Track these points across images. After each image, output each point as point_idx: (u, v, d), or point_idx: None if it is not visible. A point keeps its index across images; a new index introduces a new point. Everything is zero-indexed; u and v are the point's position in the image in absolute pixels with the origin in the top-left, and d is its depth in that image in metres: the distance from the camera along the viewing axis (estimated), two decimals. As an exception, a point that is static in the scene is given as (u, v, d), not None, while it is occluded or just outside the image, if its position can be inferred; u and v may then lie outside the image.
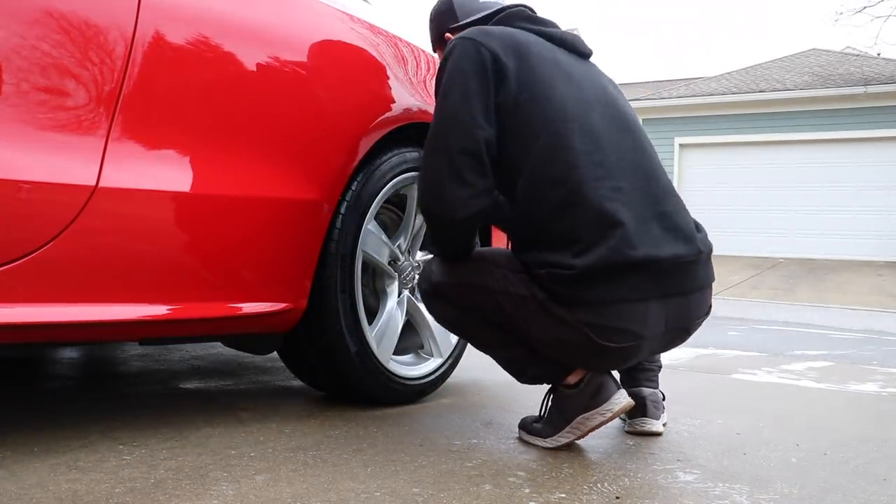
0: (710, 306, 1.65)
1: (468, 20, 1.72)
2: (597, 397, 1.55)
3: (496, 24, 1.65)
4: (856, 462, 1.68)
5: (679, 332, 1.58)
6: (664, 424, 1.84)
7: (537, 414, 1.70)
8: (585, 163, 1.48)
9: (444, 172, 1.50)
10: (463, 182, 1.49)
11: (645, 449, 1.66)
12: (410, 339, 2.05)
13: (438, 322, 1.72)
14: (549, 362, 1.59)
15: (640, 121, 1.70)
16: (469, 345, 2.24)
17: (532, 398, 2.15)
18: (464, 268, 1.60)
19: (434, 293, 1.65)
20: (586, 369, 1.58)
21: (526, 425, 1.69)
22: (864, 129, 13.53)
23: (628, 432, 1.79)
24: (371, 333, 1.85)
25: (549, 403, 1.64)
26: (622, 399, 1.56)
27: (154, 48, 1.37)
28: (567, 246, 1.45)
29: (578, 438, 1.59)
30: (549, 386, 1.65)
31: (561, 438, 1.59)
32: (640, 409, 1.78)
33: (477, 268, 1.58)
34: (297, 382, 2.15)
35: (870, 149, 13.52)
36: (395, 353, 1.93)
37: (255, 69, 1.55)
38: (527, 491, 1.30)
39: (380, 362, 1.85)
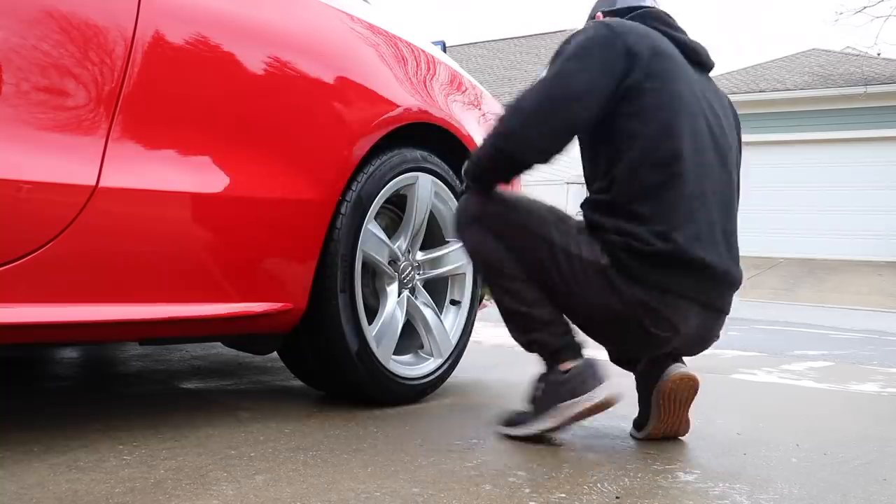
0: (719, 337, 1.73)
1: (615, 8, 1.80)
2: (585, 384, 1.57)
3: (633, 19, 1.70)
4: (856, 462, 1.68)
5: (698, 342, 1.67)
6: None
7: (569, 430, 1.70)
8: (688, 158, 1.56)
9: (535, 120, 1.53)
10: (546, 138, 1.54)
11: (645, 449, 1.66)
12: (410, 339, 2.05)
13: (467, 249, 1.69)
14: (561, 335, 1.61)
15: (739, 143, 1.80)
16: (467, 340, 2.24)
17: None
18: (525, 210, 1.62)
19: (478, 221, 1.63)
20: (612, 346, 1.67)
21: (505, 419, 1.70)
22: (864, 129, 13.53)
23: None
24: (371, 333, 1.85)
25: (536, 391, 1.65)
26: (609, 390, 1.57)
27: (154, 48, 1.37)
28: (650, 224, 1.51)
29: (561, 426, 1.60)
30: (539, 374, 1.66)
31: (541, 424, 1.61)
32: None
33: (539, 215, 1.61)
34: (297, 382, 2.15)
35: (870, 149, 13.52)
36: (394, 353, 1.93)
37: (254, 69, 1.55)
38: (527, 491, 1.30)
39: (380, 362, 1.85)
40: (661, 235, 1.51)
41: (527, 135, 1.56)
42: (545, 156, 1.57)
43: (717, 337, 1.72)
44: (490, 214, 1.63)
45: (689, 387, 1.68)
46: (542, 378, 1.64)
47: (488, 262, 1.65)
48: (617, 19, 1.64)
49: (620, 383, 1.61)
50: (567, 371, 1.59)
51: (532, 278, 1.60)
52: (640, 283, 1.52)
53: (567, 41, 1.62)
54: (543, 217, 1.61)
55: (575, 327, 1.65)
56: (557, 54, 1.60)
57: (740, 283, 1.67)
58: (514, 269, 1.61)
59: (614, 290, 1.53)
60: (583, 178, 1.76)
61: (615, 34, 1.57)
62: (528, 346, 1.66)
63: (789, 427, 2.03)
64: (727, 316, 1.70)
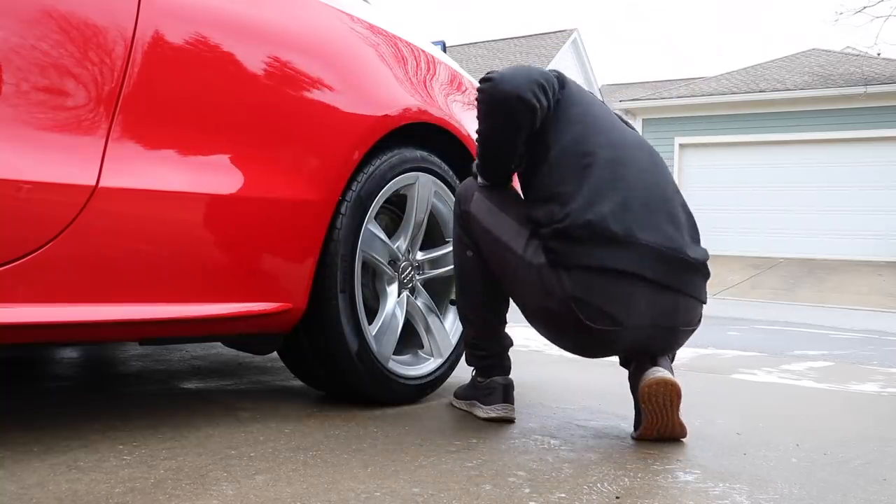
0: (699, 321, 1.70)
1: None
2: (487, 397, 1.84)
3: None
4: (856, 462, 1.68)
5: (664, 332, 1.62)
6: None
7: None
8: (609, 149, 1.65)
9: (525, 77, 1.63)
10: (533, 89, 1.63)
11: (645, 449, 1.66)
12: (410, 339, 2.05)
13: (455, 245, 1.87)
14: (481, 358, 1.85)
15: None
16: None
17: (532, 398, 2.15)
18: (494, 209, 1.74)
19: (462, 218, 1.80)
20: (569, 348, 1.71)
21: (456, 391, 1.99)
22: (863, 129, 13.53)
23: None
24: (371, 333, 1.85)
25: (473, 378, 1.92)
26: (502, 412, 1.81)
27: (154, 48, 1.37)
28: (573, 201, 1.57)
29: (465, 411, 1.89)
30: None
31: (458, 404, 1.95)
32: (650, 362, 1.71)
33: (501, 215, 1.72)
34: (297, 382, 2.15)
35: (870, 149, 13.52)
36: (394, 353, 1.93)
37: (254, 69, 1.55)
38: (527, 491, 1.30)
39: (380, 362, 1.86)
40: (584, 207, 1.55)
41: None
42: (536, 100, 1.64)
43: (691, 325, 1.66)
44: (467, 214, 1.78)
45: (667, 391, 1.61)
46: (472, 377, 1.93)
47: (462, 277, 1.83)
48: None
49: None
50: (481, 382, 1.87)
51: (494, 291, 1.77)
52: (571, 269, 1.54)
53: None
54: (511, 216, 1.70)
55: (497, 351, 1.85)
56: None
57: (698, 264, 1.64)
58: (479, 292, 1.80)
59: (548, 289, 1.57)
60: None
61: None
62: (471, 350, 1.89)
63: (789, 427, 2.03)
64: (699, 302, 1.66)
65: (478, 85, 1.69)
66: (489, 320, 1.83)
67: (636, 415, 1.74)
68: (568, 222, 1.55)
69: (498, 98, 1.63)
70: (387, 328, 1.90)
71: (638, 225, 1.56)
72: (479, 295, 1.80)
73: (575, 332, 1.59)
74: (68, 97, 1.27)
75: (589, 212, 1.54)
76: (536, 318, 1.69)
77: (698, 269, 1.64)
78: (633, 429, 1.78)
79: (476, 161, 1.82)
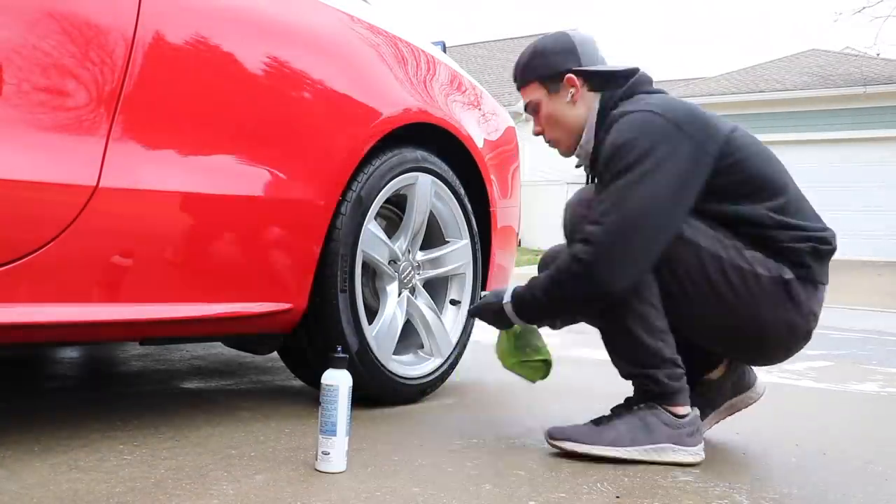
0: None
1: (598, 69, 1.65)
2: (693, 436, 1.56)
3: (631, 87, 1.62)
4: (856, 462, 1.68)
5: None
6: None
7: (568, 423, 1.60)
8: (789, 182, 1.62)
9: (627, 264, 1.48)
10: (639, 275, 1.50)
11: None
12: (410, 339, 2.05)
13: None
14: (679, 378, 1.55)
15: None
16: (467, 340, 2.23)
17: (533, 398, 2.14)
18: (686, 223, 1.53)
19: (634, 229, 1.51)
20: (752, 358, 1.69)
21: (561, 433, 1.56)
22: (863, 129, 13.54)
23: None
24: (371, 333, 1.85)
25: (631, 412, 1.56)
26: (703, 451, 1.57)
27: (155, 48, 1.37)
28: (822, 225, 1.57)
29: (641, 461, 1.53)
30: (634, 401, 1.60)
31: (624, 452, 1.52)
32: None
33: (697, 229, 1.52)
34: (297, 382, 2.15)
35: (870, 149, 13.52)
36: (394, 353, 1.93)
37: (255, 70, 1.55)
38: (527, 491, 1.30)
39: (380, 362, 1.86)
40: (822, 229, 1.57)
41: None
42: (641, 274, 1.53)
43: None
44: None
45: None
46: (646, 409, 1.55)
47: (656, 223, 1.52)
48: (666, 103, 1.55)
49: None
50: (682, 417, 1.55)
51: (675, 301, 1.54)
52: (817, 285, 1.55)
53: (631, 137, 1.50)
54: (699, 228, 1.52)
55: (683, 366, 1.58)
56: (626, 151, 1.50)
57: None
58: (651, 292, 1.53)
59: (794, 304, 1.52)
60: (584, 179, 1.76)
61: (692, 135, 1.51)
62: (637, 378, 1.57)
63: (789, 427, 2.03)
64: None
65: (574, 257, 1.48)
66: (667, 328, 1.56)
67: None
68: (825, 242, 1.55)
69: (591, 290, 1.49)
70: (387, 328, 1.90)
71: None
72: (655, 301, 1.54)
73: (799, 341, 1.60)
74: (69, 97, 1.27)
75: (826, 230, 1.57)
76: (759, 328, 1.54)
77: None
78: None
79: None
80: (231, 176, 1.51)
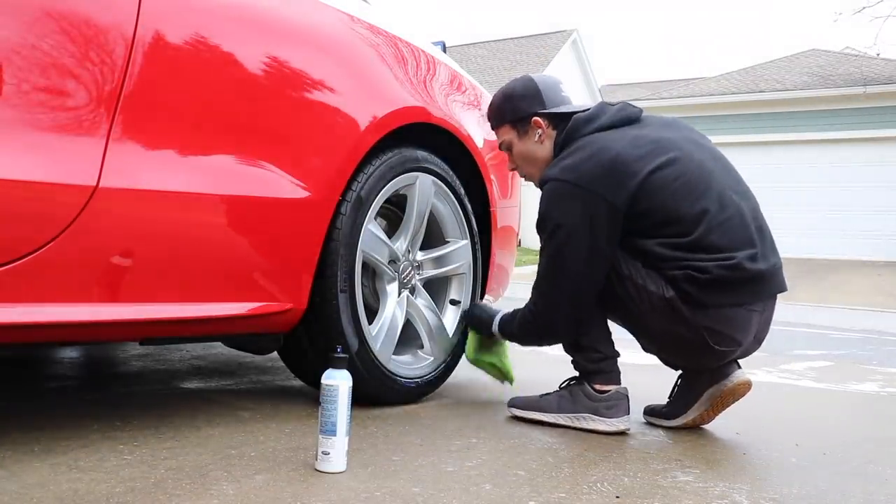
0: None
1: (558, 111, 1.88)
2: (610, 410, 1.78)
3: (567, 132, 1.82)
4: (856, 462, 1.68)
5: (754, 345, 1.80)
6: None
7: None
8: (723, 193, 1.72)
9: (562, 318, 1.79)
10: (577, 319, 1.79)
11: (645, 449, 1.67)
12: (410, 338, 2.05)
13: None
14: (597, 361, 1.81)
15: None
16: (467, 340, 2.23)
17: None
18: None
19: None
20: (680, 363, 1.88)
21: (518, 401, 1.90)
22: (863, 129, 13.54)
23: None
24: (371, 333, 1.85)
25: (566, 388, 1.86)
26: (623, 426, 1.78)
27: (155, 48, 1.37)
28: (709, 254, 1.66)
29: (570, 427, 1.80)
30: (573, 379, 1.87)
31: (554, 417, 1.82)
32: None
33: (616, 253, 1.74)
34: (297, 382, 2.15)
35: (870, 149, 13.52)
36: (394, 353, 1.93)
37: (255, 69, 1.55)
38: (527, 491, 1.30)
39: (380, 362, 1.86)
40: (721, 261, 1.65)
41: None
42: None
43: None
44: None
45: (745, 391, 1.84)
46: (576, 384, 1.84)
47: (576, 284, 1.77)
48: (574, 170, 1.73)
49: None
50: (602, 393, 1.79)
51: (603, 307, 1.80)
52: (702, 308, 1.66)
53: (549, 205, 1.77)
54: (620, 254, 1.74)
55: (613, 354, 1.83)
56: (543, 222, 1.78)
57: (782, 266, 1.80)
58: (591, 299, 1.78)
59: (681, 319, 1.67)
60: None
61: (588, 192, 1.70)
62: (576, 357, 1.86)
63: (789, 427, 2.03)
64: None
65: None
66: (603, 323, 1.83)
67: (680, 405, 1.88)
68: (704, 272, 1.64)
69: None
70: (387, 328, 1.90)
71: (759, 257, 1.69)
72: (593, 296, 1.77)
73: (699, 352, 1.73)
74: (69, 97, 1.26)
75: (724, 257, 1.65)
76: (662, 339, 1.78)
77: (782, 268, 1.80)
78: (659, 417, 1.92)
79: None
80: (231, 176, 1.51)
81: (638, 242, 1.71)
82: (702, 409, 1.85)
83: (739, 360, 1.86)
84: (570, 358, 1.87)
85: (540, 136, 1.89)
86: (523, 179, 2.05)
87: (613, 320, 1.84)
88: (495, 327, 1.98)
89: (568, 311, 1.77)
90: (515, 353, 2.14)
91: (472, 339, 2.08)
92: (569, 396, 1.83)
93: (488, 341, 2.06)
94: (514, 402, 1.90)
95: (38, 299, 1.27)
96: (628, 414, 1.79)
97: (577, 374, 1.86)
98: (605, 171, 1.69)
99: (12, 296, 1.23)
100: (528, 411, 1.86)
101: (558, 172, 1.75)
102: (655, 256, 1.69)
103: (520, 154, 1.94)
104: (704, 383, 1.84)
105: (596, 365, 1.81)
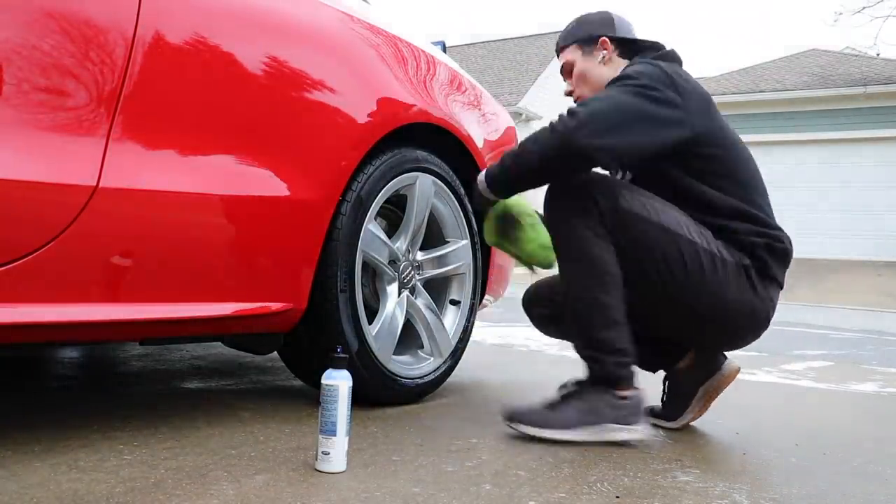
0: None
1: (628, 37, 1.88)
2: (635, 415, 1.65)
3: (655, 59, 1.77)
4: (856, 462, 1.68)
5: None
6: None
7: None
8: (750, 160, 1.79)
9: (610, 121, 1.57)
10: (620, 140, 1.59)
11: (645, 449, 1.66)
12: (410, 339, 2.05)
13: (566, 248, 1.69)
14: (626, 365, 1.65)
15: None
16: (467, 340, 2.23)
17: (533, 398, 2.14)
18: (662, 209, 1.67)
19: (611, 220, 1.63)
20: (716, 342, 1.82)
21: (519, 414, 1.69)
22: (863, 129, 13.54)
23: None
24: (371, 333, 1.85)
25: (578, 397, 1.67)
26: (648, 430, 1.68)
27: (155, 48, 1.37)
28: (769, 220, 1.72)
29: (589, 441, 1.64)
30: (581, 382, 1.72)
31: (572, 434, 1.64)
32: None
33: (678, 216, 1.67)
34: (297, 382, 2.15)
35: (869, 149, 13.53)
36: (394, 353, 1.93)
37: (255, 69, 1.55)
38: (527, 491, 1.30)
39: (380, 362, 1.86)
40: (781, 233, 1.72)
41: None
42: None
43: None
44: (613, 208, 1.63)
45: (735, 377, 1.87)
46: (588, 390, 1.66)
47: (596, 267, 1.63)
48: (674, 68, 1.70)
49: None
50: (623, 398, 1.64)
51: (642, 280, 1.65)
52: (774, 281, 1.70)
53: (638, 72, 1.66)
54: (674, 214, 1.67)
55: (634, 355, 1.67)
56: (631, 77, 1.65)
57: None
58: (616, 286, 1.63)
59: (754, 289, 1.67)
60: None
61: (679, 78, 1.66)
62: (588, 359, 1.67)
63: (789, 427, 2.03)
64: None
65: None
66: (627, 324, 1.65)
67: (677, 405, 1.87)
68: (781, 242, 1.70)
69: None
70: (387, 328, 1.90)
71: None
72: (620, 297, 1.64)
73: (760, 326, 1.73)
74: (69, 97, 1.26)
75: (784, 237, 1.73)
76: (725, 310, 1.67)
77: None
78: (659, 418, 1.89)
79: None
80: (231, 176, 1.51)
81: (709, 194, 1.69)
82: (698, 405, 1.86)
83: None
84: (592, 359, 1.66)
85: (604, 57, 1.85)
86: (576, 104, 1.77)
87: (645, 298, 1.68)
88: (482, 185, 1.75)
89: (616, 128, 1.56)
90: (512, 355, 2.14)
91: (486, 220, 1.87)
92: (588, 408, 1.64)
93: (503, 224, 1.83)
94: (520, 418, 1.67)
95: (38, 299, 1.27)
96: (647, 415, 1.73)
97: (583, 376, 1.69)
98: (692, 87, 1.67)
99: (12, 296, 1.23)
100: (542, 429, 1.64)
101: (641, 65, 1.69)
102: (730, 216, 1.68)
103: (580, 73, 1.88)
104: (696, 380, 1.85)
105: (626, 370, 1.65)
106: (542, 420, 1.65)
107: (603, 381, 1.64)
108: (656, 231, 1.63)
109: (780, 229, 1.74)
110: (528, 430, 1.65)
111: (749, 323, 1.72)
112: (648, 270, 1.64)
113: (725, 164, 1.70)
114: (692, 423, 1.93)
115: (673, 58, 1.79)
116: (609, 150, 1.57)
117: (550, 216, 1.72)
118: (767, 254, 1.67)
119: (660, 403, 1.93)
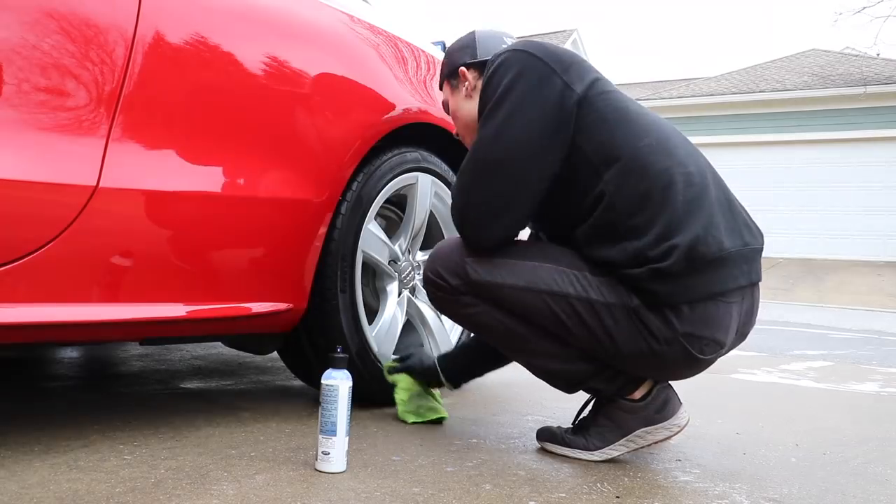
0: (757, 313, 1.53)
1: (481, 59, 1.59)
2: (663, 411, 1.50)
3: None
4: (856, 462, 1.68)
5: (737, 340, 1.49)
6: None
7: (569, 424, 1.61)
8: (676, 153, 1.42)
9: (502, 202, 1.43)
10: (516, 215, 1.45)
11: (645, 449, 1.66)
12: (410, 338, 2.05)
13: (465, 325, 1.59)
14: (616, 377, 1.49)
15: None
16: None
17: (532, 398, 2.15)
18: (519, 265, 1.46)
19: (470, 292, 1.48)
20: (663, 380, 1.53)
21: (557, 436, 1.57)
22: (863, 129, 13.55)
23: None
24: (371, 333, 1.85)
25: (597, 415, 1.55)
26: (686, 415, 1.53)
27: (155, 48, 1.37)
28: (658, 233, 1.35)
29: (631, 451, 1.53)
30: (590, 396, 1.60)
31: (612, 451, 1.52)
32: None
33: (537, 267, 1.45)
34: (297, 382, 2.15)
35: (870, 149, 13.53)
36: (395, 353, 1.93)
37: (255, 69, 1.55)
38: (527, 491, 1.30)
39: (380, 362, 1.86)
40: (675, 242, 1.35)
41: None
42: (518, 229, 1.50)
43: (756, 314, 1.52)
44: (482, 284, 1.47)
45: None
46: (610, 402, 1.53)
47: (497, 334, 1.52)
48: (533, 42, 1.46)
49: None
50: (640, 399, 1.51)
51: (558, 335, 1.47)
52: (677, 306, 1.37)
53: (490, 83, 1.44)
54: (549, 268, 1.44)
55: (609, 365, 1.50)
56: (487, 99, 1.44)
57: (762, 246, 1.48)
58: (531, 334, 1.48)
59: (651, 331, 1.38)
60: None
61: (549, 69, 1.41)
62: (589, 392, 1.57)
63: (789, 427, 2.03)
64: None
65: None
66: (572, 355, 1.49)
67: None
68: (670, 260, 1.33)
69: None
70: (387, 328, 1.91)
71: (724, 235, 1.38)
72: (556, 345, 1.48)
73: (683, 365, 1.44)
74: (69, 97, 1.27)
75: (681, 240, 1.34)
76: (633, 359, 1.43)
77: (762, 251, 1.49)
78: (568, 446, 1.57)
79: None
80: (231, 176, 1.51)
81: (573, 212, 1.43)
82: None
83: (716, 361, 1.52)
84: (585, 391, 1.57)
85: (466, 89, 1.59)
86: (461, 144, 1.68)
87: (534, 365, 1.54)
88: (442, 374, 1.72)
89: (501, 203, 1.41)
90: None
91: (398, 404, 1.79)
92: (611, 425, 1.52)
93: (409, 401, 1.78)
94: (553, 437, 1.58)
95: (38, 299, 1.27)
96: (681, 403, 1.53)
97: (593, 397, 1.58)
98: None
99: (12, 296, 1.23)
100: (571, 449, 1.55)
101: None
102: (604, 232, 1.39)
103: (452, 112, 1.65)
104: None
105: (619, 378, 1.51)
106: (574, 441, 1.55)
107: (608, 397, 1.54)
108: (519, 293, 1.44)
109: (668, 233, 1.35)
110: (561, 450, 1.55)
111: (665, 364, 1.43)
112: (541, 325, 1.47)
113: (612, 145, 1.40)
114: (692, 424, 1.93)
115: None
116: (507, 230, 1.46)
117: (434, 306, 1.61)
118: (657, 282, 1.35)
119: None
